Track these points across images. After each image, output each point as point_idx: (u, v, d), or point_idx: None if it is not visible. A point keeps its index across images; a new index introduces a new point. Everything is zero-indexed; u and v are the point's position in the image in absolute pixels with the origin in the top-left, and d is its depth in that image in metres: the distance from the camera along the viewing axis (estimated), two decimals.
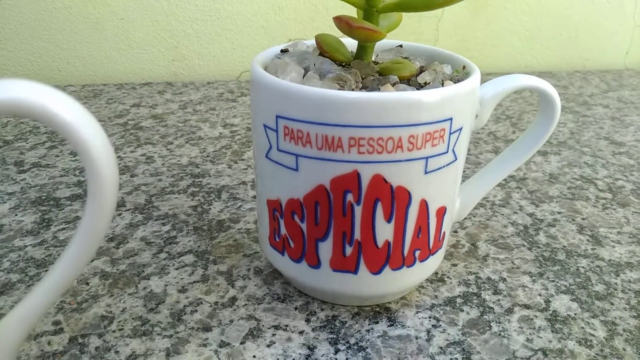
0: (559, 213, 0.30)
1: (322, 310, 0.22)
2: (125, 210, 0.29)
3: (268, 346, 0.20)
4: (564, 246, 0.27)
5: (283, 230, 0.21)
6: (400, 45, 0.24)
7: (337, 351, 0.20)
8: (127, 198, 0.30)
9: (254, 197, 0.30)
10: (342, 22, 0.18)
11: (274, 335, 0.20)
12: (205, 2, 0.51)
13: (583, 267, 0.25)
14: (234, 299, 0.22)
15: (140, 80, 0.52)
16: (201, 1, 0.51)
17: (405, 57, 0.23)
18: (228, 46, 0.54)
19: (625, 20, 0.65)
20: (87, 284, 0.23)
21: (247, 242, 0.26)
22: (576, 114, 0.47)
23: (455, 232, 0.28)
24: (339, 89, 0.18)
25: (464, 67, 0.21)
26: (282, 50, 0.22)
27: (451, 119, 0.18)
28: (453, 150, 0.19)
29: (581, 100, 0.52)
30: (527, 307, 0.22)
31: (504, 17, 0.61)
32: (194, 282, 0.23)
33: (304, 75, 0.20)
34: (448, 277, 0.24)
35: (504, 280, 0.24)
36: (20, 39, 0.48)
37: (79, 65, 0.50)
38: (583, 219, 0.30)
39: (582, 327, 0.21)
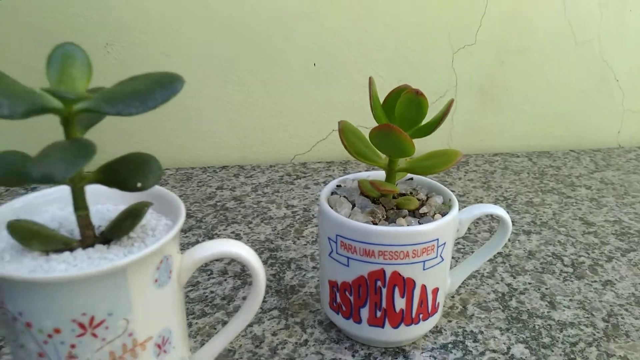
0: (529, 284, 0.42)
1: (362, 349, 0.35)
2: (229, 277, 0.42)
3: None
4: (528, 309, 0.39)
5: (338, 299, 0.34)
6: (411, 178, 0.37)
7: None
8: (228, 267, 0.44)
9: (314, 267, 0.44)
10: (373, 185, 0.31)
11: None
12: (268, 103, 0.66)
13: (538, 325, 0.38)
14: (306, 341, 0.35)
15: (218, 163, 0.67)
16: (265, 103, 0.66)
17: (414, 189, 0.36)
18: (285, 136, 0.68)
19: (614, 106, 0.77)
20: (215, 328, 0.36)
21: (311, 302, 0.39)
22: (562, 195, 0.59)
23: (453, 297, 0.40)
24: (372, 221, 0.32)
25: (450, 200, 0.35)
26: (337, 186, 0.36)
27: (438, 239, 0.31)
28: (441, 255, 0.32)
29: (569, 181, 0.64)
30: (494, 351, 0.35)
31: (507, 108, 0.74)
32: (280, 329, 0.36)
33: (352, 208, 0.33)
34: (444, 330, 0.37)
35: (482, 332, 0.37)
36: (128, 135, 0.64)
37: (173, 152, 0.66)
38: (547, 288, 0.42)
39: None
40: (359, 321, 0.33)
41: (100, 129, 0.25)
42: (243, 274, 0.43)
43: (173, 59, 0.62)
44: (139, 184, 0.22)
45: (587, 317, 0.38)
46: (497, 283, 0.42)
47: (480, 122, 0.74)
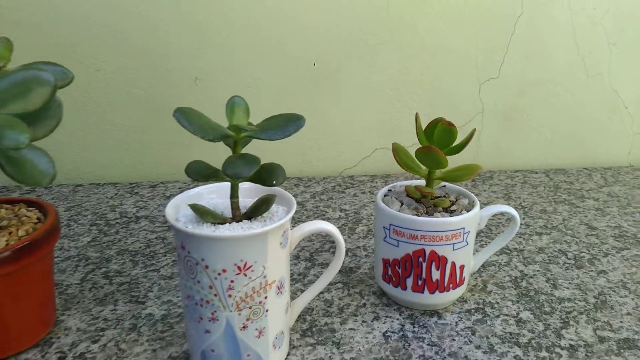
0: (538, 271, 0.54)
1: (406, 311, 0.47)
2: (301, 260, 0.55)
3: (384, 323, 0.45)
4: (535, 288, 0.51)
5: (389, 272, 0.46)
6: (444, 185, 0.50)
7: (413, 326, 0.44)
8: (300, 253, 0.57)
9: (366, 255, 0.56)
10: (417, 189, 0.44)
11: (385, 320, 0.45)
12: (321, 126, 0.80)
13: (542, 299, 0.49)
14: (364, 304, 0.48)
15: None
16: (319, 126, 0.79)
17: (447, 193, 0.48)
18: (335, 153, 0.82)
19: (625, 130, 0.88)
20: (296, 294, 0.49)
21: (366, 279, 0.52)
22: (571, 205, 0.70)
23: (476, 278, 0.52)
24: (416, 214, 0.44)
25: (473, 201, 0.47)
26: (389, 190, 0.49)
27: (464, 227, 0.44)
28: (466, 240, 0.44)
29: (579, 194, 0.75)
30: (506, 315, 0.46)
31: (528, 132, 0.85)
32: (345, 296, 0.49)
33: (401, 205, 0.46)
34: (468, 300, 0.48)
35: (498, 303, 0.48)
36: (261, 151, 0.78)
37: None
38: (551, 274, 0.53)
39: (532, 326, 0.45)
40: (404, 288, 0.46)
41: (250, 148, 0.38)
42: (312, 258, 0.55)
43: (252, 89, 0.76)
44: (274, 182, 0.35)
45: (582, 295, 0.49)
46: (512, 270, 0.54)
47: (504, 143, 0.85)
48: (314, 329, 0.44)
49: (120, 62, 0.73)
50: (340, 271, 0.53)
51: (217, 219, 0.35)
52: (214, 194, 0.40)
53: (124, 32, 0.72)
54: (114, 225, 0.63)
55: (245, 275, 0.34)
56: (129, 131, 0.76)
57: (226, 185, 0.40)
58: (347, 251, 0.57)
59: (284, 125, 0.33)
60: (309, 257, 0.56)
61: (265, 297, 0.36)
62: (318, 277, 0.47)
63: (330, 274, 0.41)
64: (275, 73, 0.76)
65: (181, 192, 0.42)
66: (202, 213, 0.35)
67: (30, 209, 0.43)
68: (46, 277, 0.42)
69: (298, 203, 0.70)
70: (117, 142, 0.77)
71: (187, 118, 0.31)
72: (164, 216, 0.64)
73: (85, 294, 0.49)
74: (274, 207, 0.38)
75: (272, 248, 0.35)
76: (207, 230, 0.34)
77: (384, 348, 0.42)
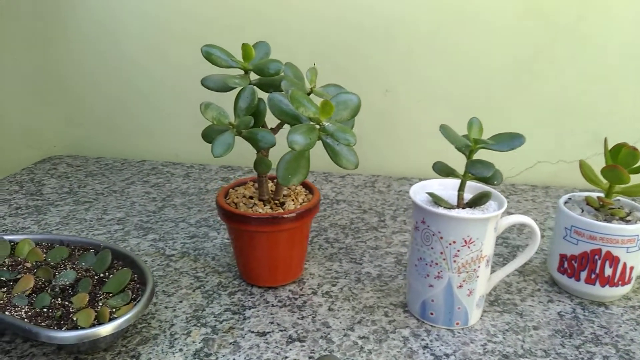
0: None
1: (576, 299, 0.56)
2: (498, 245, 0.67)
3: (557, 305, 0.55)
4: None
5: (565, 265, 0.56)
6: (619, 199, 0.58)
7: (584, 311, 0.54)
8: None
9: (538, 251, 0.66)
10: (599, 199, 0.54)
11: (558, 303, 0.56)
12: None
13: None
14: (539, 290, 0.58)
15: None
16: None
17: (621, 205, 0.57)
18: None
19: None
20: None
21: (538, 270, 0.62)
22: None
23: None
24: (595, 220, 0.54)
25: None
26: (569, 198, 0.59)
27: (638, 235, 0.52)
28: (638, 246, 0.53)
29: None
30: None
31: None
32: (521, 281, 0.60)
33: (581, 211, 0.56)
34: (633, 298, 0.57)
35: None
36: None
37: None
38: None
39: None
40: (578, 280, 0.55)
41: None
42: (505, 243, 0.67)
43: (423, 103, 0.89)
44: (495, 182, 0.47)
45: None
46: None
47: None
48: (499, 301, 0.56)
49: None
50: None
51: (448, 205, 0.49)
52: (440, 186, 0.54)
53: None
54: (322, 205, 0.79)
55: (468, 247, 0.47)
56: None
57: (449, 181, 0.53)
58: (518, 247, 0.68)
59: (509, 140, 0.45)
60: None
61: (478, 266, 0.49)
62: (508, 260, 0.59)
63: (525, 257, 0.52)
64: (464, 81, 0.88)
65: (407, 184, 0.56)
66: (438, 199, 0.49)
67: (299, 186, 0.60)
68: (307, 234, 0.58)
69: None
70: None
71: (447, 132, 0.44)
72: (358, 201, 0.80)
73: (316, 252, 0.65)
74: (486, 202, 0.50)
75: (489, 230, 0.48)
76: (445, 210, 0.48)
77: (559, 323, 0.52)
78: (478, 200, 0.49)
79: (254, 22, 0.90)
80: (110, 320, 0.43)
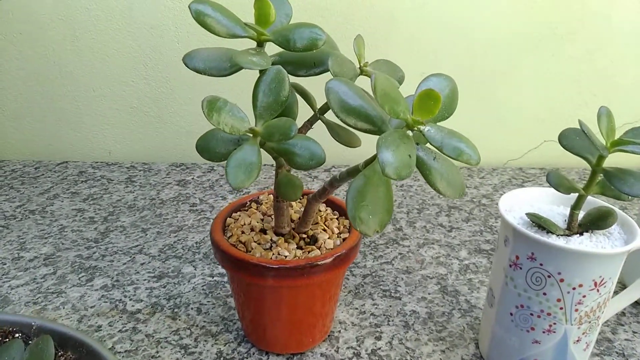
0: None
1: None
2: None
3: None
4: None
5: None
6: None
7: None
8: None
9: None
10: None
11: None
12: (490, 113, 0.77)
13: None
14: (624, 314, 0.47)
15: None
16: (487, 113, 0.77)
17: None
18: (502, 143, 0.80)
19: None
20: None
21: None
22: None
23: None
24: None
25: None
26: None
27: None
28: None
29: None
30: None
31: None
32: None
33: None
34: None
35: None
36: None
37: None
38: None
39: None
40: None
41: None
42: None
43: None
44: (629, 197, 0.33)
45: None
46: None
47: None
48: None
49: None
50: None
51: (561, 231, 0.35)
52: (540, 199, 0.39)
53: None
54: None
55: (597, 291, 0.34)
56: None
57: (549, 192, 0.39)
58: None
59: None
60: None
61: (602, 312, 0.35)
62: None
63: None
64: (459, 53, 0.74)
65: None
66: (549, 224, 0.34)
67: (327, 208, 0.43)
68: (343, 278, 0.42)
69: (485, 196, 0.69)
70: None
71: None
72: None
73: None
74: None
75: (621, 265, 0.34)
76: (574, 245, 0.33)
77: None
78: (601, 222, 0.35)
79: None
80: None
